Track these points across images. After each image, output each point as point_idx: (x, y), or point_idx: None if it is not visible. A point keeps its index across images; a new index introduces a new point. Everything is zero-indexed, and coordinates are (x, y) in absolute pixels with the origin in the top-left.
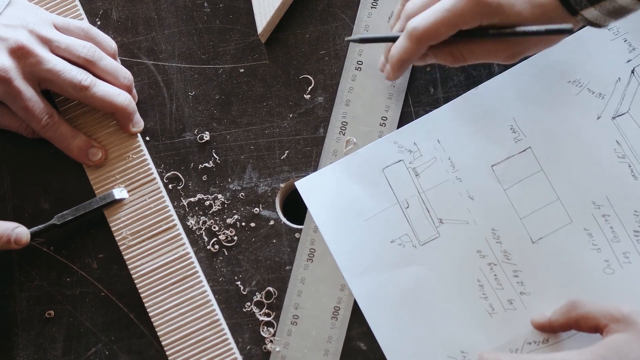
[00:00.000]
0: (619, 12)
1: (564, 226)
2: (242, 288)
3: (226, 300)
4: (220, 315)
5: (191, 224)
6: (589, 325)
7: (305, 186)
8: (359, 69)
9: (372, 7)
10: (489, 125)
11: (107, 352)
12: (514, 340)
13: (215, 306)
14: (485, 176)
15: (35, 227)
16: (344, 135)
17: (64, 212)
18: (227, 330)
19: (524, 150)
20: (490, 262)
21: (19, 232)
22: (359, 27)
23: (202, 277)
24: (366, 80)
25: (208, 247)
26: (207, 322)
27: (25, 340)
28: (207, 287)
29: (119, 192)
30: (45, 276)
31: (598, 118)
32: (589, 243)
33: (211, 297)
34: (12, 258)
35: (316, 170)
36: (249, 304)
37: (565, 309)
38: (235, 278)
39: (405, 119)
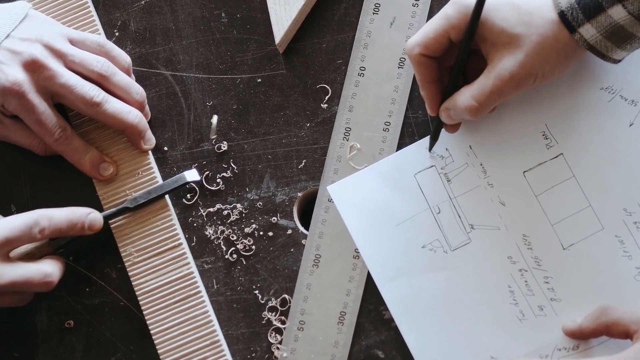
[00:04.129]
0: (620, 36)
1: (595, 233)
2: (260, 297)
3: (244, 309)
4: (221, 336)
5: (209, 233)
6: (619, 331)
7: (337, 190)
8: (362, 75)
9: (374, 13)
10: (521, 131)
11: None
12: (544, 346)
13: (217, 326)
14: (517, 182)
15: (108, 211)
16: (347, 141)
17: (136, 195)
18: (227, 350)
19: (556, 157)
20: (521, 268)
21: (92, 217)
22: (361, 33)
23: (205, 297)
24: (369, 86)
25: (226, 257)
26: (208, 342)
27: (45, 350)
28: (209, 307)
29: (191, 174)
30: (64, 286)
31: (630, 125)
32: (620, 250)
33: (213, 317)
34: None
35: (320, 179)
36: (266, 312)
37: (596, 315)
38: (254, 287)
39: (411, 125)
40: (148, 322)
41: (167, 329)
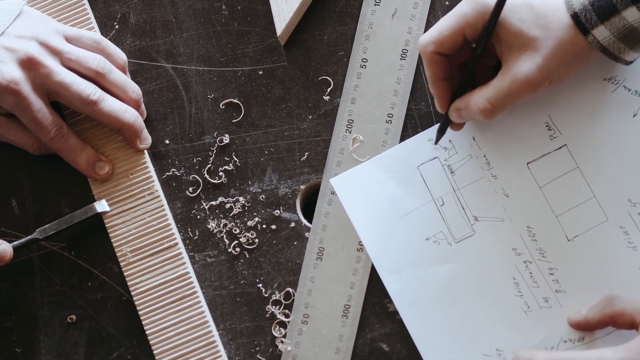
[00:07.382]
0: (633, 38)
1: (599, 224)
2: (263, 290)
3: (248, 303)
4: (217, 336)
5: (212, 227)
6: (624, 322)
7: (340, 183)
8: (364, 67)
9: (375, 4)
10: (524, 122)
11: (129, 356)
12: (549, 338)
13: (213, 327)
14: (520, 173)
15: (17, 242)
16: (350, 133)
17: (46, 227)
18: (223, 352)
19: (560, 148)
20: (525, 260)
21: (1, 249)
22: (363, 25)
23: (201, 297)
24: (371, 78)
25: (229, 250)
26: (204, 342)
27: (48, 345)
28: (205, 307)
29: (101, 206)
30: (66, 281)
31: (634, 115)
32: (624, 241)
33: (209, 317)
34: (33, 263)
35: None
36: (270, 306)
37: (601, 306)
38: (257, 280)
39: (414, 116)
40: (144, 322)
41: (162, 329)
